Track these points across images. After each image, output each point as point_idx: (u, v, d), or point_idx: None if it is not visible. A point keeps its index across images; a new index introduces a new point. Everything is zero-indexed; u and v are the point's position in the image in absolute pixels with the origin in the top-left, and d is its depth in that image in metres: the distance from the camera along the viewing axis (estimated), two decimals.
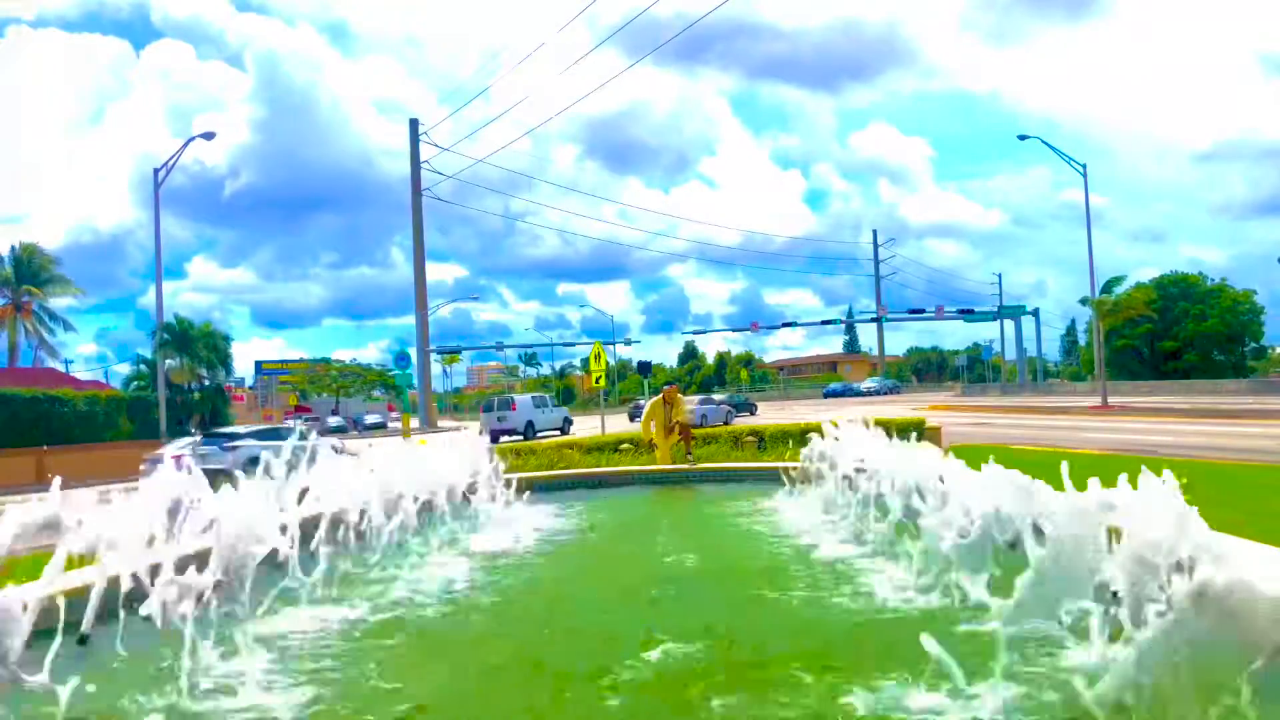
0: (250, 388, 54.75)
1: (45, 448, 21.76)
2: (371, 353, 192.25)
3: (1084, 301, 39.05)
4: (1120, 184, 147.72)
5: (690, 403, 36.37)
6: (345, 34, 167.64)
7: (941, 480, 4.83)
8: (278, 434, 19.47)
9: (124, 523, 3.66)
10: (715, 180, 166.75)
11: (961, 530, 4.01)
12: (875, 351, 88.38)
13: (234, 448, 18.24)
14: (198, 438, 18.75)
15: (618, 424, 30.72)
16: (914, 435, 6.66)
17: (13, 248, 38.76)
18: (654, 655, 3.86)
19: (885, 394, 65.99)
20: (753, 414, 41.43)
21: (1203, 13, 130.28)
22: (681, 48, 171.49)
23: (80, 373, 47.92)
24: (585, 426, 30.84)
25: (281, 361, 72.05)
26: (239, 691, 3.47)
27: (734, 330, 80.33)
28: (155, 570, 3.63)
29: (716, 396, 44.65)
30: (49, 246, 40.82)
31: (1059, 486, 3.33)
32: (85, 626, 3.54)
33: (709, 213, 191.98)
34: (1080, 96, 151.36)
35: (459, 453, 8.28)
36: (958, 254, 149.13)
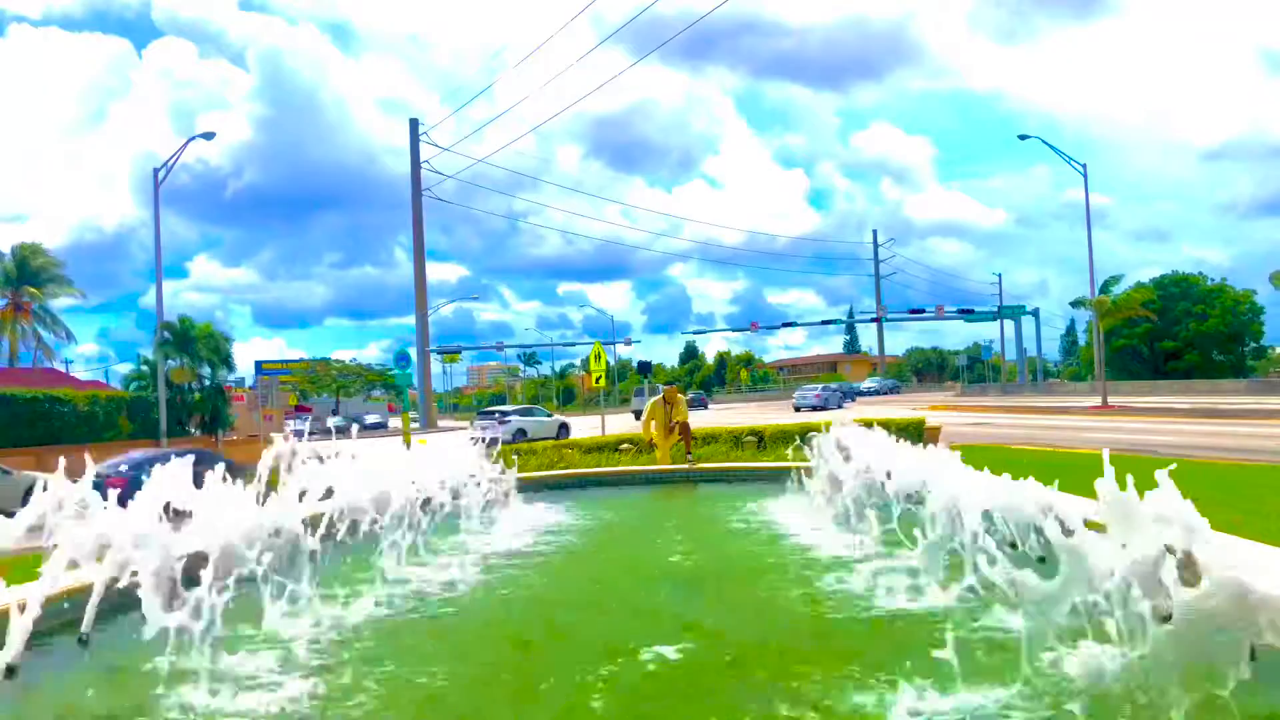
0: (250, 387, 54.68)
1: (45, 447, 21.76)
2: (372, 352, 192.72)
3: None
4: (1125, 183, 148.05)
5: (815, 389, 46.98)
6: (348, 33, 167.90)
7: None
8: (530, 412, 30.10)
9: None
10: (719, 179, 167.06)
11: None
12: (875, 351, 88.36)
13: (506, 421, 25.20)
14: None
15: (623, 423, 31.25)
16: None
17: (13, 248, 38.74)
18: (652, 654, 3.86)
19: (885, 394, 65.99)
20: (854, 400, 48.92)
21: (1213, 11, 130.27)
22: (687, 46, 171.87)
23: (80, 372, 47.94)
24: (585, 426, 30.88)
25: (281, 361, 71.82)
26: (241, 690, 3.48)
27: (734, 330, 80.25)
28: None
29: (833, 385, 54.41)
30: (51, 246, 40.88)
31: (1060, 485, 3.35)
32: (85, 626, 3.53)
33: (712, 212, 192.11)
34: (1087, 95, 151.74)
35: (446, 458, 8.20)
36: (961, 253, 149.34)
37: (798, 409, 39.84)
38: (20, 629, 3.15)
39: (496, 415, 27.72)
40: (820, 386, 49.22)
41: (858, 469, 6.62)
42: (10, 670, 3.12)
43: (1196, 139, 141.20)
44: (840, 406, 40.09)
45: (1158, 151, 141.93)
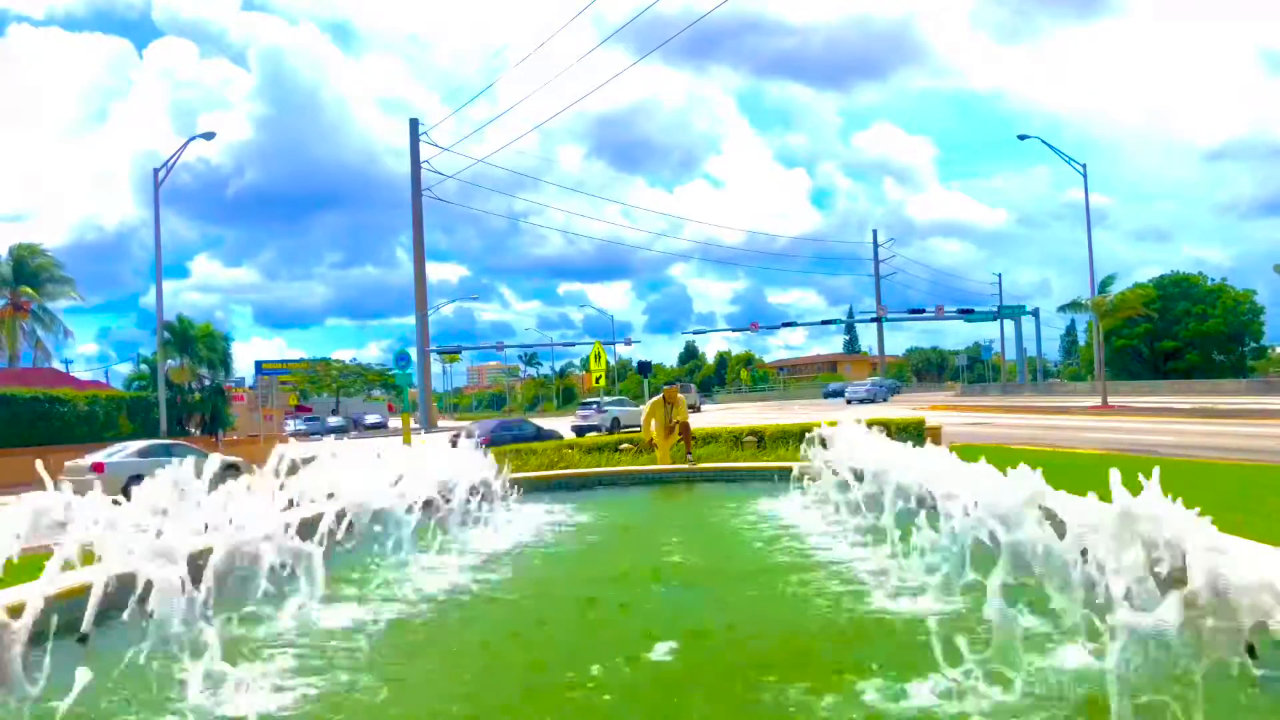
0: (250, 388, 54.75)
1: (45, 447, 21.75)
2: (372, 352, 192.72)
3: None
4: (1126, 183, 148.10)
5: (864, 384, 55.06)
6: (348, 33, 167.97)
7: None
8: (623, 403, 35.07)
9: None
10: (720, 179, 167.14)
11: None
12: (875, 351, 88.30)
13: (604, 410, 29.43)
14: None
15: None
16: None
17: (11, 248, 38.70)
18: (652, 655, 3.86)
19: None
20: (896, 394, 55.42)
21: (1213, 11, 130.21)
22: (689, 45, 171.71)
23: (80, 372, 47.96)
24: None
25: (281, 361, 71.83)
26: (242, 690, 3.47)
27: (734, 330, 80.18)
28: None
29: (880, 381, 60.51)
30: (52, 245, 40.82)
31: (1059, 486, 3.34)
32: (85, 626, 3.53)
33: (713, 212, 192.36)
34: (1088, 95, 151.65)
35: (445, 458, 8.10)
36: (961, 253, 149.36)
37: (849, 402, 46.03)
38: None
39: (595, 405, 33.04)
40: (870, 382, 57.90)
41: (873, 469, 6.56)
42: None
43: (1197, 139, 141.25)
44: (886, 399, 48.22)
45: (1158, 151, 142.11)
